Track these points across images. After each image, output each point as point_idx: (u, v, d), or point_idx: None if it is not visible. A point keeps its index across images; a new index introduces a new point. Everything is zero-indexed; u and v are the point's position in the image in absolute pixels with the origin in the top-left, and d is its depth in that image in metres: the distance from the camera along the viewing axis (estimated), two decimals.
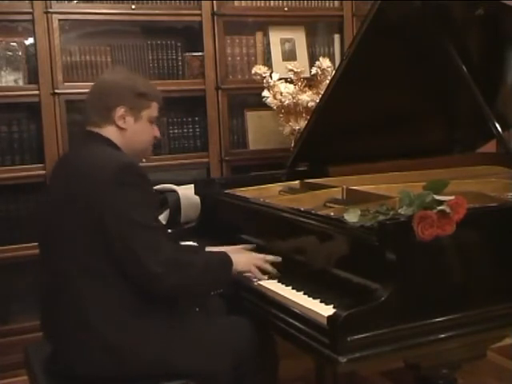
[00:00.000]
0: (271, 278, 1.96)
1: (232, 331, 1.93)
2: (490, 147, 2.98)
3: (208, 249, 2.15)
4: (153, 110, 2.03)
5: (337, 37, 3.67)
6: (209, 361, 1.84)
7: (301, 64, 3.30)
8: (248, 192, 2.44)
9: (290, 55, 3.58)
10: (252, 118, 3.54)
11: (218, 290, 2.07)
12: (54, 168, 2.01)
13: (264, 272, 1.98)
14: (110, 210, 1.75)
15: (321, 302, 1.70)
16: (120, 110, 1.94)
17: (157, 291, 1.80)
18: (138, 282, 1.78)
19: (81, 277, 1.77)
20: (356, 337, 1.50)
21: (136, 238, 1.75)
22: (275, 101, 3.11)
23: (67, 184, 1.85)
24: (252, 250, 2.13)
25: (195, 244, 2.34)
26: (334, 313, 1.54)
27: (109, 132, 1.94)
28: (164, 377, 1.79)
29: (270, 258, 2.02)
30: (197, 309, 2.08)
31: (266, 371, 2.04)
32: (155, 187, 2.78)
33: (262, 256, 2.03)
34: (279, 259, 2.02)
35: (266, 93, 3.12)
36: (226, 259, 1.95)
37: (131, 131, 1.96)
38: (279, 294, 1.83)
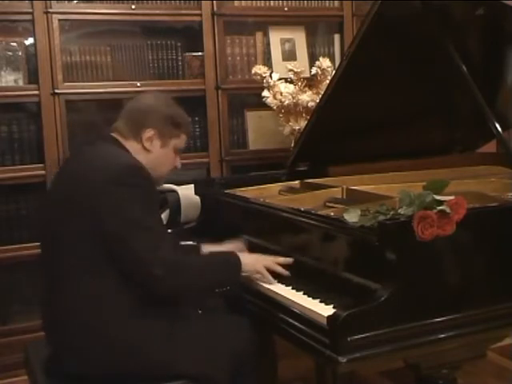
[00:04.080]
0: (281, 280, 1.92)
1: (232, 331, 1.93)
2: (490, 147, 2.98)
3: (206, 247, 2.16)
4: (181, 141, 2.04)
5: (337, 37, 3.67)
6: (208, 361, 1.84)
7: (301, 64, 3.30)
8: (248, 192, 2.44)
9: (289, 55, 3.58)
10: (252, 117, 3.54)
11: (223, 288, 2.04)
12: (64, 164, 2.01)
13: (274, 274, 1.95)
14: (110, 210, 1.75)
15: (321, 301, 1.70)
16: (150, 132, 1.95)
17: (157, 292, 1.80)
18: (138, 282, 1.78)
19: (81, 278, 1.77)
20: (356, 337, 1.50)
21: (136, 239, 1.74)
22: (275, 101, 3.11)
23: (69, 184, 1.85)
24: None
25: (194, 243, 2.34)
26: (334, 313, 1.54)
27: (130, 146, 1.95)
28: (164, 377, 1.79)
29: (281, 259, 1.97)
30: (200, 311, 2.08)
31: (266, 371, 2.04)
32: None
33: (272, 257, 1.99)
34: (290, 261, 1.97)
35: (265, 93, 3.12)
36: (232, 259, 1.94)
37: (155, 155, 1.97)
38: (279, 294, 1.83)
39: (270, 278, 1.94)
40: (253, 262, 1.96)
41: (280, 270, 1.95)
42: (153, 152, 1.97)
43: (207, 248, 2.17)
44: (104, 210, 1.75)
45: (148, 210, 1.80)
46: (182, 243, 2.31)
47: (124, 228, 1.74)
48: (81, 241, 1.77)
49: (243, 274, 1.94)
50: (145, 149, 1.96)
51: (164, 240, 1.82)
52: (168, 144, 2.00)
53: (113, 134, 1.97)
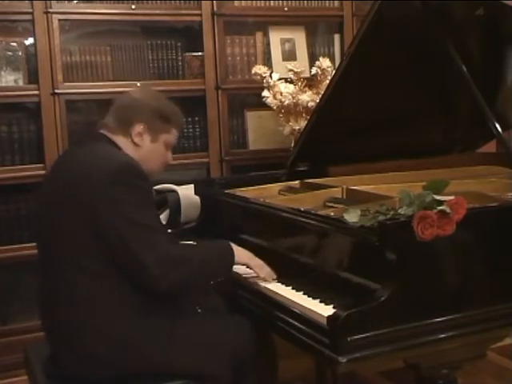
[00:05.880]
0: (281, 280, 1.93)
1: (231, 331, 1.93)
2: (490, 147, 2.98)
3: None
4: (172, 135, 2.02)
5: (337, 37, 3.68)
6: (208, 360, 1.84)
7: (301, 64, 3.31)
8: (248, 192, 2.44)
9: (289, 55, 3.58)
10: (252, 118, 3.54)
11: (218, 279, 2.05)
12: (54, 165, 1.98)
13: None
14: (108, 209, 1.74)
15: (321, 301, 1.70)
16: (139, 127, 1.94)
17: (156, 290, 1.80)
18: (136, 280, 1.77)
19: (79, 277, 1.76)
20: (356, 337, 1.50)
21: (134, 237, 1.74)
22: (275, 101, 3.11)
23: (65, 182, 1.84)
24: None
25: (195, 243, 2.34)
26: (334, 313, 1.54)
27: (121, 142, 1.94)
28: (164, 376, 1.79)
29: (267, 270, 1.96)
30: (199, 310, 2.07)
31: (266, 371, 2.04)
32: (155, 187, 2.78)
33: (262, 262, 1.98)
34: (273, 276, 1.95)
35: (265, 93, 3.12)
36: (226, 250, 1.94)
37: (145, 150, 1.96)
38: (279, 294, 1.83)
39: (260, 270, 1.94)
40: (245, 255, 1.95)
41: (263, 276, 1.94)
42: (143, 147, 1.96)
43: None
44: (101, 210, 1.74)
45: (146, 209, 1.80)
46: (182, 243, 2.31)
47: (123, 226, 1.73)
48: (79, 241, 1.76)
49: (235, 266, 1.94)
50: (135, 144, 1.95)
51: (161, 236, 1.81)
52: (158, 139, 1.98)
53: (102, 131, 1.95)
